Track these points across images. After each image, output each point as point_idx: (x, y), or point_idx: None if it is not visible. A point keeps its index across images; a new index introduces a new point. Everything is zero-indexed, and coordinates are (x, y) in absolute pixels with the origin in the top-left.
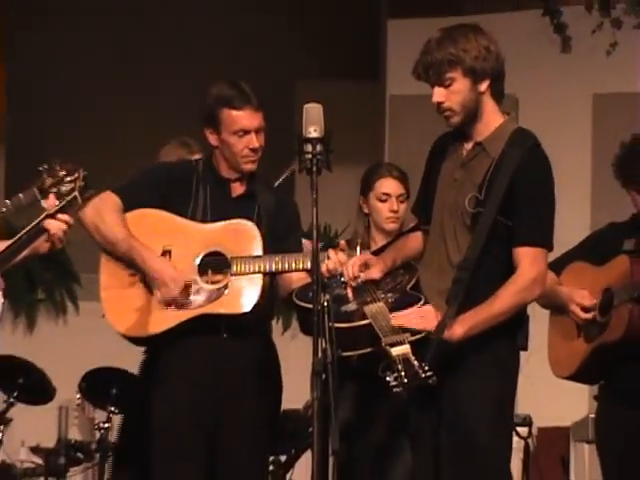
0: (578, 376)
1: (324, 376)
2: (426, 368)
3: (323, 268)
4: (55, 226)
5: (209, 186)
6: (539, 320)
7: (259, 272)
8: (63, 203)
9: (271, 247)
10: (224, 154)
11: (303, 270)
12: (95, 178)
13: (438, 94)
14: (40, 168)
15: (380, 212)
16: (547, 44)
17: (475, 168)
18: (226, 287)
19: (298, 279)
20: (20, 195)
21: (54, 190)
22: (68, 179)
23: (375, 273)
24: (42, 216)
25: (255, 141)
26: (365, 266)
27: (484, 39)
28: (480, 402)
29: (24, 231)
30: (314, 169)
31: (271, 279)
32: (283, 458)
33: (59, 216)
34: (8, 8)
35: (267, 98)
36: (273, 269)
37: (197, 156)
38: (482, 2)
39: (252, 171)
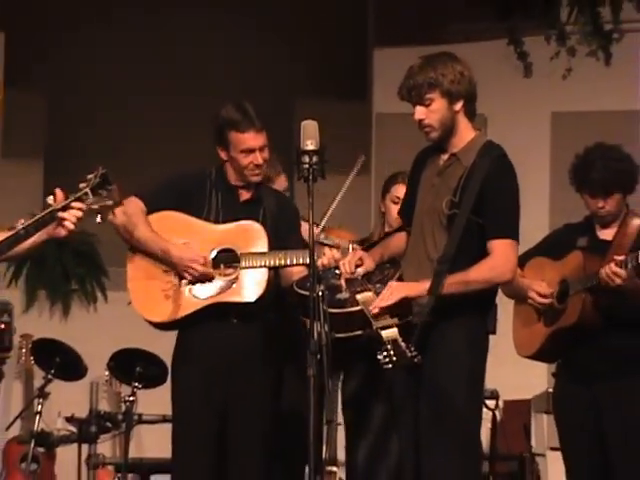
0: (538, 355)
1: (319, 355)
2: (412, 348)
3: (319, 262)
4: (67, 215)
5: (220, 192)
6: (505, 309)
7: (264, 266)
8: (72, 198)
9: (274, 245)
10: (233, 166)
11: (302, 265)
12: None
13: (419, 112)
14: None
15: (391, 213)
16: (511, 69)
17: (450, 175)
18: (236, 279)
19: (298, 272)
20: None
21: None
22: (88, 177)
23: (368, 266)
24: (46, 211)
25: (259, 158)
26: (360, 261)
27: (459, 65)
28: (456, 376)
29: (22, 226)
30: (310, 177)
31: (275, 272)
32: None
33: (73, 204)
34: (44, 27)
35: (269, 114)
36: (276, 264)
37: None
38: (455, 32)
39: (257, 182)
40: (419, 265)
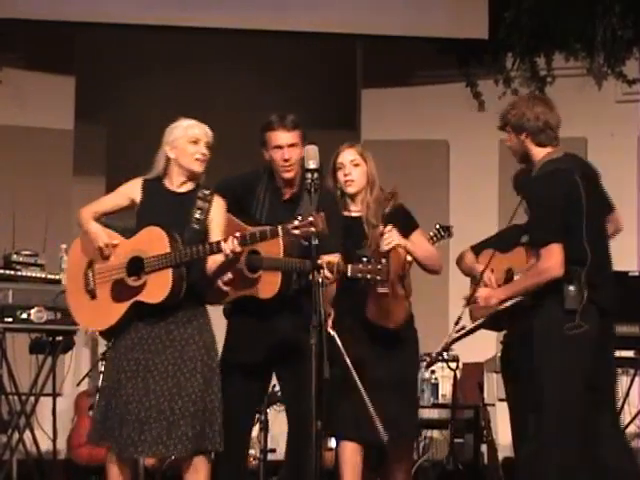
0: (490, 326)
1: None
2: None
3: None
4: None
5: (269, 192)
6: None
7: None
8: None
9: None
10: (273, 166)
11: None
12: None
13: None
14: None
15: None
16: (468, 106)
17: None
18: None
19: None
20: None
21: None
22: None
23: None
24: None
25: (286, 154)
26: None
27: (538, 106)
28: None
29: None
30: (312, 190)
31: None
32: None
33: None
34: (106, 72)
35: None
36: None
37: None
38: (425, 77)
39: (290, 178)
40: None
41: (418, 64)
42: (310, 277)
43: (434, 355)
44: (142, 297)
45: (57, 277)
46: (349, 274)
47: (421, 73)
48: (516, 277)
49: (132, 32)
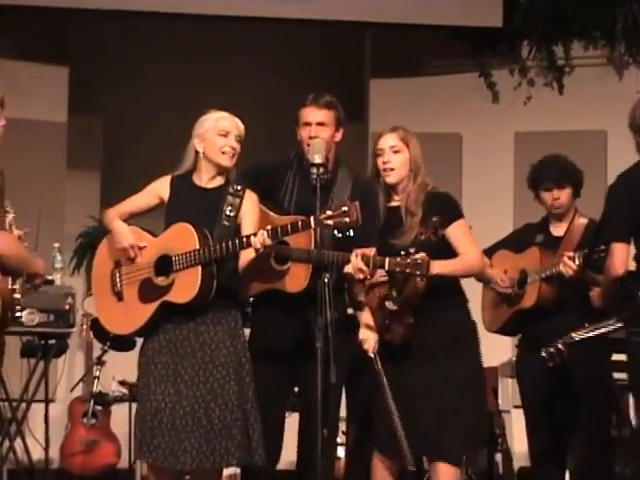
0: (503, 330)
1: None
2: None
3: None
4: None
5: (299, 176)
6: (475, 294)
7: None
8: None
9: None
10: (302, 147)
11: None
12: None
13: None
14: None
15: None
16: (482, 97)
17: None
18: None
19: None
20: None
21: None
22: None
23: None
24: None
25: (313, 132)
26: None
27: None
28: None
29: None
30: (318, 185)
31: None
32: None
33: None
34: (102, 61)
35: (281, 135)
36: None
37: None
38: (437, 67)
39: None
40: None
41: (429, 53)
42: (343, 271)
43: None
44: (170, 297)
45: (50, 277)
46: (386, 268)
47: (432, 63)
48: (530, 278)
49: (130, 19)
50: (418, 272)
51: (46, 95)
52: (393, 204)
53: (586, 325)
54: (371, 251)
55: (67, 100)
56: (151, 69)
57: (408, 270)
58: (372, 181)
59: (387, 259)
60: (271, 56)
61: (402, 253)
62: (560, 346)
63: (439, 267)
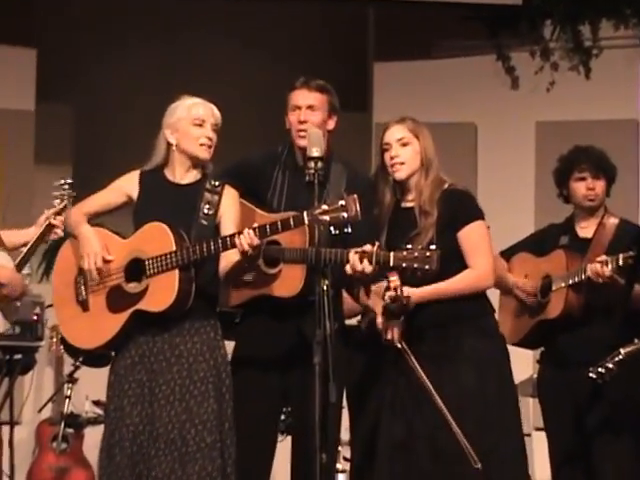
0: (524, 343)
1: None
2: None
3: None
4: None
5: (288, 171)
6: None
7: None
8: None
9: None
10: (291, 135)
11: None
12: None
13: None
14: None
15: None
16: (499, 83)
17: None
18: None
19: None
20: None
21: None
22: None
23: None
24: (45, 225)
25: (302, 115)
26: None
27: None
28: None
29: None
30: (315, 181)
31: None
32: None
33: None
34: (72, 45)
35: (278, 125)
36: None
37: None
38: (449, 49)
39: (305, 146)
40: None
41: (440, 33)
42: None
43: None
44: (143, 305)
45: None
46: (392, 263)
47: (444, 44)
48: (554, 285)
49: None
50: (427, 267)
51: (11, 81)
52: (406, 205)
53: (636, 341)
54: (373, 246)
55: (35, 86)
56: (129, 52)
57: (416, 265)
58: (366, 177)
59: (392, 253)
60: (262, 37)
61: (408, 247)
62: (610, 365)
63: (423, 294)
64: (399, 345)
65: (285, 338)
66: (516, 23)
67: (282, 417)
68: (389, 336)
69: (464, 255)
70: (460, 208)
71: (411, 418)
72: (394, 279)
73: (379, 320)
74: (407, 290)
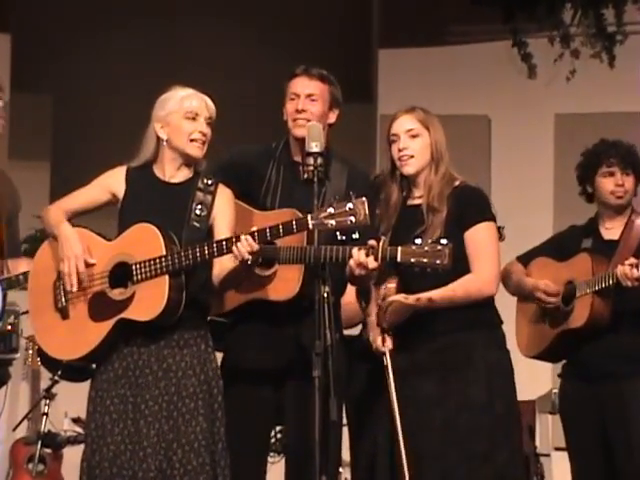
0: (544, 356)
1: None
2: None
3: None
4: None
5: (282, 167)
6: (508, 307)
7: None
8: None
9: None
10: (288, 126)
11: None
12: None
13: None
14: None
15: None
16: (515, 71)
17: None
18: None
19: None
20: None
21: None
22: None
23: None
24: None
25: (301, 104)
26: None
27: None
28: None
29: None
30: (315, 179)
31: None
32: None
33: None
34: (50, 31)
35: (276, 117)
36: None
37: None
38: (460, 34)
39: (303, 137)
40: None
41: (451, 17)
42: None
43: None
44: (129, 314)
45: None
46: (399, 259)
47: (455, 29)
48: (578, 292)
49: None
50: (438, 262)
51: None
52: (413, 202)
53: None
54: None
55: (9, 74)
56: (114, 37)
57: (425, 260)
58: (364, 174)
59: (399, 248)
60: (260, 21)
61: (416, 242)
62: None
63: (419, 303)
64: (386, 353)
65: (280, 347)
66: (533, 6)
67: (277, 435)
68: (378, 342)
69: (468, 258)
70: (469, 207)
71: (416, 434)
72: (391, 286)
73: (368, 329)
74: (400, 296)
